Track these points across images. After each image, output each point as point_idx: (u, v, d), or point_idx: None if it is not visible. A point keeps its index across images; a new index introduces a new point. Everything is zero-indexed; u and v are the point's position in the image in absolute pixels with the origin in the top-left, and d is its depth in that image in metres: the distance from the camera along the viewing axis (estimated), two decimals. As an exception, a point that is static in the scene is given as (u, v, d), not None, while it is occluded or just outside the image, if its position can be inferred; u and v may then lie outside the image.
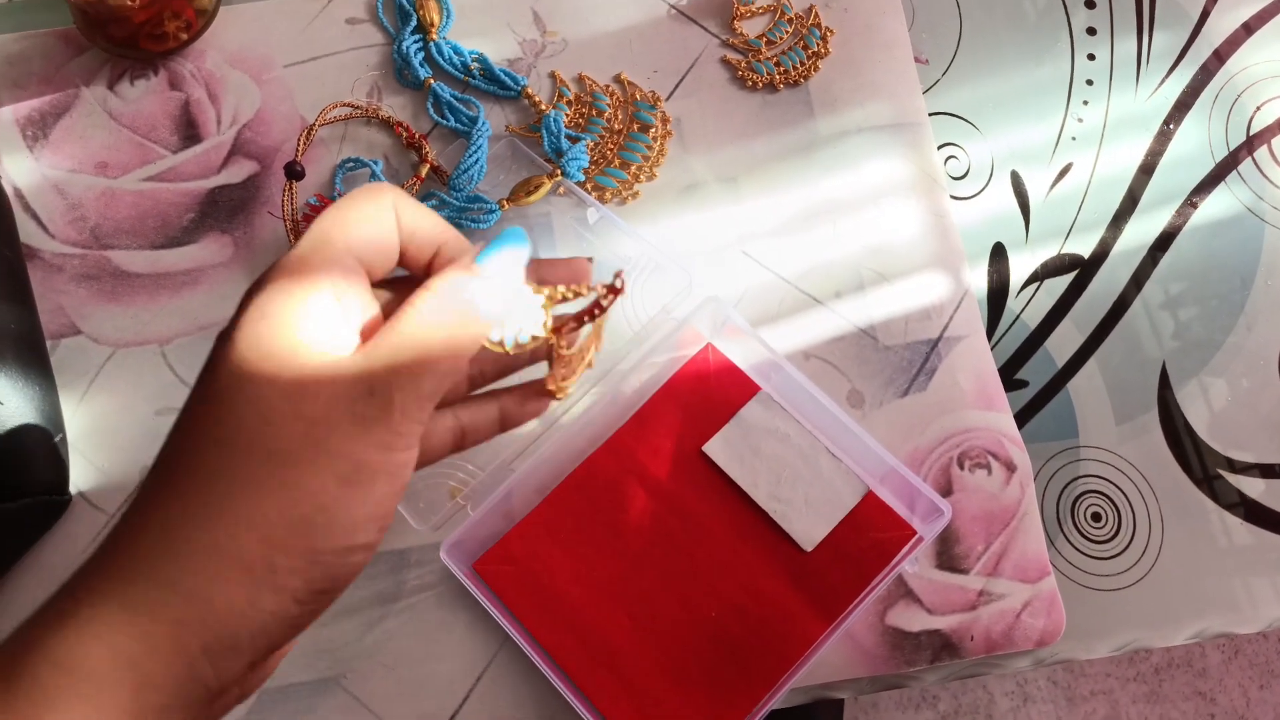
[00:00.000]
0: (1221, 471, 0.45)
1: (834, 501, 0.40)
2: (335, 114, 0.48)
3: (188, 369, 0.45)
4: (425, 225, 0.27)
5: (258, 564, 0.23)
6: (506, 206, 0.46)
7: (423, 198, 0.47)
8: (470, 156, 0.46)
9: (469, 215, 0.46)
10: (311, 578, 0.24)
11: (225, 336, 0.24)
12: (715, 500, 0.40)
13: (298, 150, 0.47)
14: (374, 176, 0.46)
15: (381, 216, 0.26)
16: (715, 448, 0.41)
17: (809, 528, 0.40)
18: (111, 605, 0.22)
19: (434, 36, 0.49)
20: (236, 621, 0.23)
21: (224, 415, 0.24)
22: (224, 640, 0.23)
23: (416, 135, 0.47)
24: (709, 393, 0.42)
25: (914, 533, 0.40)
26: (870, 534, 0.40)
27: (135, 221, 0.47)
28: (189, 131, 0.48)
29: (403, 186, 0.46)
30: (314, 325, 0.24)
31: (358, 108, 0.48)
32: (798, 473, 0.41)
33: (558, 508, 0.40)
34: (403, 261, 0.28)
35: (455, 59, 0.49)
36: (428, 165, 0.47)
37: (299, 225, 0.45)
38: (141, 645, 0.22)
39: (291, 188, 0.46)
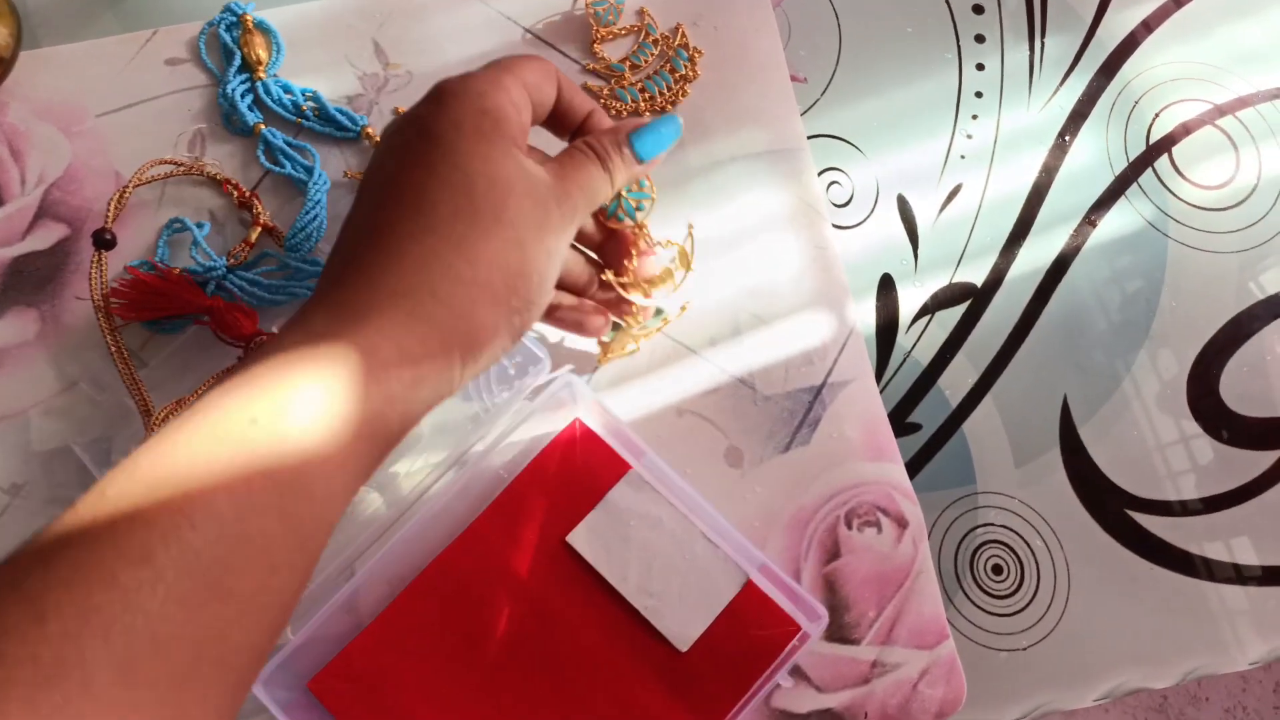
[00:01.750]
0: (1130, 512, 0.42)
1: (710, 593, 0.36)
2: (153, 172, 0.43)
3: (-8, 463, 0.40)
4: (580, 95, 0.35)
5: (501, 295, 0.29)
6: None
7: (255, 261, 0.42)
8: (307, 213, 0.42)
9: (308, 284, 0.41)
10: (523, 321, 0.31)
11: (443, 103, 0.30)
12: (582, 598, 0.36)
13: (108, 216, 0.42)
14: (196, 243, 0.42)
15: (549, 72, 0.33)
16: (580, 537, 0.37)
17: (684, 625, 0.36)
18: (398, 314, 0.28)
19: (261, 75, 0.44)
20: (486, 340, 0.29)
21: (454, 173, 0.29)
22: (474, 355, 0.29)
23: (247, 193, 0.43)
24: (575, 474, 0.37)
25: (798, 628, 0.36)
26: (751, 630, 0.36)
27: (-73, 300, 0.42)
28: (-11, 194, 0.43)
29: (231, 252, 0.42)
30: (520, 119, 0.31)
31: (179, 164, 0.43)
32: (671, 562, 0.37)
33: (406, 613, 0.36)
34: (552, 120, 0.35)
35: (285, 99, 0.44)
36: (259, 228, 0.42)
37: (109, 301, 0.40)
38: (421, 348, 0.28)
39: (101, 258, 0.41)
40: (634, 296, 0.38)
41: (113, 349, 0.40)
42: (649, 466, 0.38)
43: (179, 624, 0.22)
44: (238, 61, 0.44)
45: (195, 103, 0.45)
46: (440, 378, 0.28)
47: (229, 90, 0.44)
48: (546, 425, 0.39)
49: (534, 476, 0.37)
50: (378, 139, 0.44)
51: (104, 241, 0.41)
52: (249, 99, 0.44)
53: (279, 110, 0.44)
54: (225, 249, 0.42)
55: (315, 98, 0.44)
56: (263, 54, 0.45)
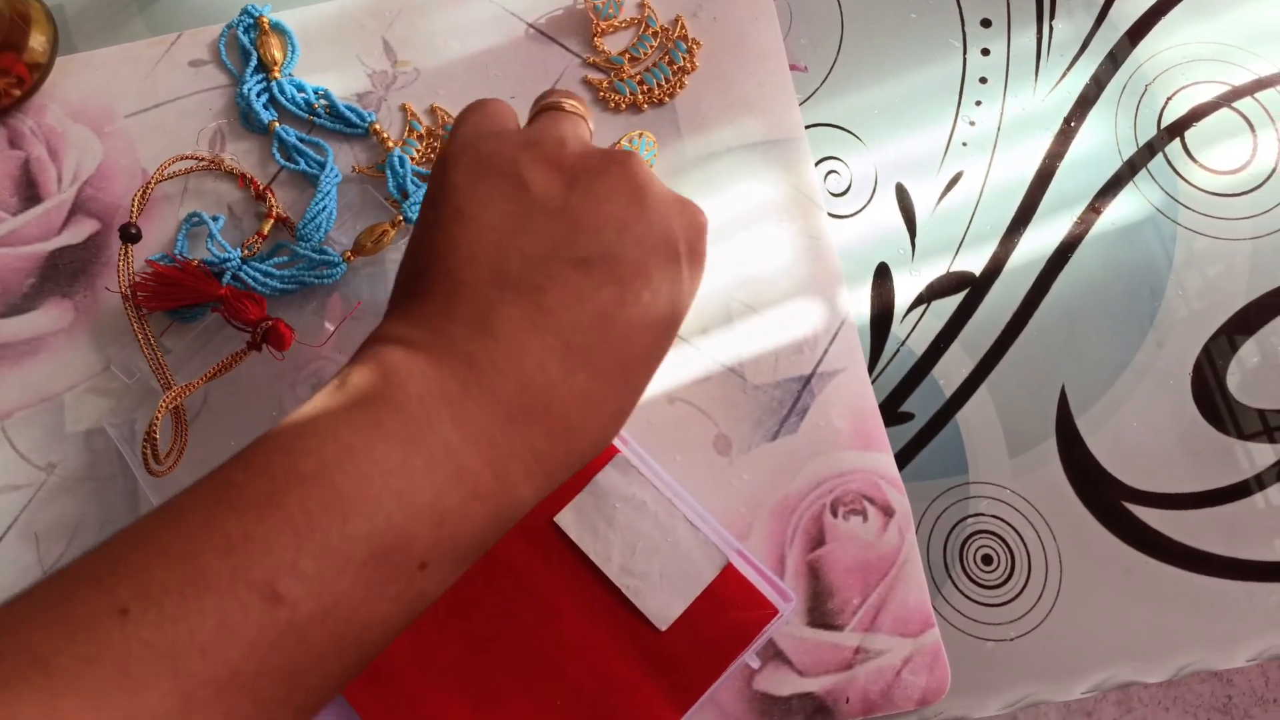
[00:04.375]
0: (1127, 504, 0.41)
1: (690, 575, 0.37)
2: (175, 169, 0.45)
3: (30, 444, 0.43)
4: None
5: (564, 345, 0.27)
6: (351, 258, 0.44)
7: (271, 251, 0.45)
8: (317, 204, 0.44)
9: (318, 272, 0.43)
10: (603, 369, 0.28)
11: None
12: (566, 576, 0.38)
13: (133, 211, 0.44)
14: (212, 236, 0.44)
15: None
16: (567, 518, 0.38)
17: (663, 604, 0.37)
18: (438, 351, 0.27)
19: (276, 75, 0.46)
20: (550, 390, 0.27)
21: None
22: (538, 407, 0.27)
23: (261, 186, 0.45)
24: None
25: (775, 610, 0.37)
26: (728, 612, 0.37)
27: (-28, 291, 0.45)
28: (29, 192, 0.46)
29: (245, 243, 0.44)
30: None
31: (199, 159, 0.45)
32: (653, 544, 0.38)
33: None
34: None
35: (299, 98, 0.46)
36: (272, 219, 0.44)
37: (137, 293, 0.43)
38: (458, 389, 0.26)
39: (127, 251, 0.43)
40: None
41: (140, 336, 0.43)
42: (633, 453, 0.39)
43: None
44: (254, 62, 0.46)
45: (216, 102, 0.47)
46: (491, 425, 0.26)
47: (245, 90, 0.46)
48: None
49: None
50: (385, 135, 0.46)
51: (130, 235, 0.43)
52: (264, 98, 0.46)
53: (291, 109, 0.46)
54: (243, 239, 0.45)
55: (326, 96, 0.46)
56: (278, 54, 0.47)
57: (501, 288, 0.27)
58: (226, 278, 0.43)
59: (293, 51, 0.47)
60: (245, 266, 0.43)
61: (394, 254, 0.45)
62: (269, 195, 0.45)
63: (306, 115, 0.46)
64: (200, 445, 0.43)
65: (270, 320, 0.40)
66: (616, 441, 0.40)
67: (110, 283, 0.45)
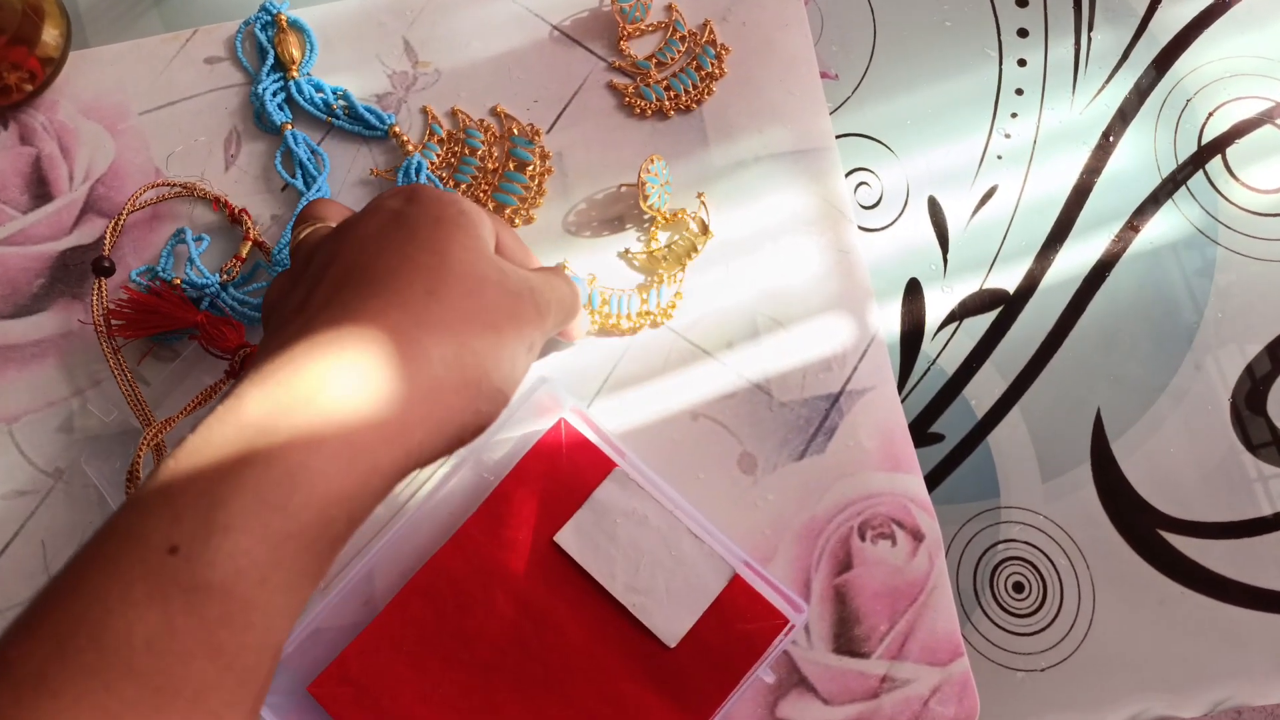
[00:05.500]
0: (1163, 532, 0.40)
1: (697, 589, 0.36)
2: (147, 196, 0.44)
3: (37, 449, 0.42)
4: (520, 248, 0.37)
5: (470, 381, 0.28)
6: None
7: (252, 273, 0.43)
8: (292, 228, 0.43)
9: None
10: (489, 412, 0.29)
11: (421, 201, 0.31)
12: (571, 597, 0.37)
13: (106, 243, 0.43)
14: (191, 261, 0.43)
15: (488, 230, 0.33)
16: (567, 537, 0.37)
17: (671, 621, 0.36)
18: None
19: (294, 74, 0.45)
20: (448, 430, 0.28)
21: (430, 257, 0.29)
22: (431, 446, 0.27)
23: (237, 210, 0.43)
24: (562, 474, 0.38)
25: (785, 621, 0.36)
26: (737, 624, 0.36)
27: (-20, 291, 0.44)
28: (40, 190, 0.45)
29: (224, 267, 0.43)
30: (491, 226, 0.33)
31: (172, 185, 0.44)
32: (657, 559, 0.37)
33: (400, 616, 0.37)
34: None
35: (317, 98, 0.45)
36: (249, 242, 0.43)
37: (110, 324, 0.41)
38: (375, 434, 0.26)
39: (101, 285, 0.42)
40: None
41: (116, 373, 0.41)
42: (632, 466, 0.38)
43: None
44: (271, 60, 0.45)
45: (232, 101, 0.46)
46: (393, 468, 0.26)
47: (260, 90, 0.45)
48: (532, 427, 0.40)
49: (521, 478, 0.38)
50: (405, 138, 0.45)
51: (103, 269, 0.42)
52: (280, 98, 0.45)
53: (309, 109, 0.45)
54: (223, 262, 0.43)
55: (345, 96, 0.45)
56: (296, 53, 0.45)
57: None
58: (204, 303, 0.42)
59: (311, 50, 0.46)
60: (223, 293, 0.42)
61: (412, 260, 0.44)
62: (245, 218, 0.44)
63: (325, 117, 0.45)
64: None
65: (249, 346, 0.39)
66: (614, 455, 0.39)
67: (121, 281, 0.44)
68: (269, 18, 0.46)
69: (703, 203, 0.43)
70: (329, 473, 0.24)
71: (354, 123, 0.45)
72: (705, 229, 0.43)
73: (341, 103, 0.45)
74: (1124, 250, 0.43)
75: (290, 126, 0.45)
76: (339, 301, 0.28)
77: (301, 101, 0.45)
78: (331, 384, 0.25)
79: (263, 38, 0.46)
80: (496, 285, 0.30)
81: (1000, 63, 0.45)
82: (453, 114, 0.45)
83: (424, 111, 0.45)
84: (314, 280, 0.29)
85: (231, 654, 0.22)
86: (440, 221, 0.30)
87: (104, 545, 0.23)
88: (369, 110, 0.45)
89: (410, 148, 0.44)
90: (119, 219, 0.43)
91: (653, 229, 0.43)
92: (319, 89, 0.45)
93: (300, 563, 0.24)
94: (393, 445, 0.26)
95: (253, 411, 0.24)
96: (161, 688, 0.21)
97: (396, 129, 0.45)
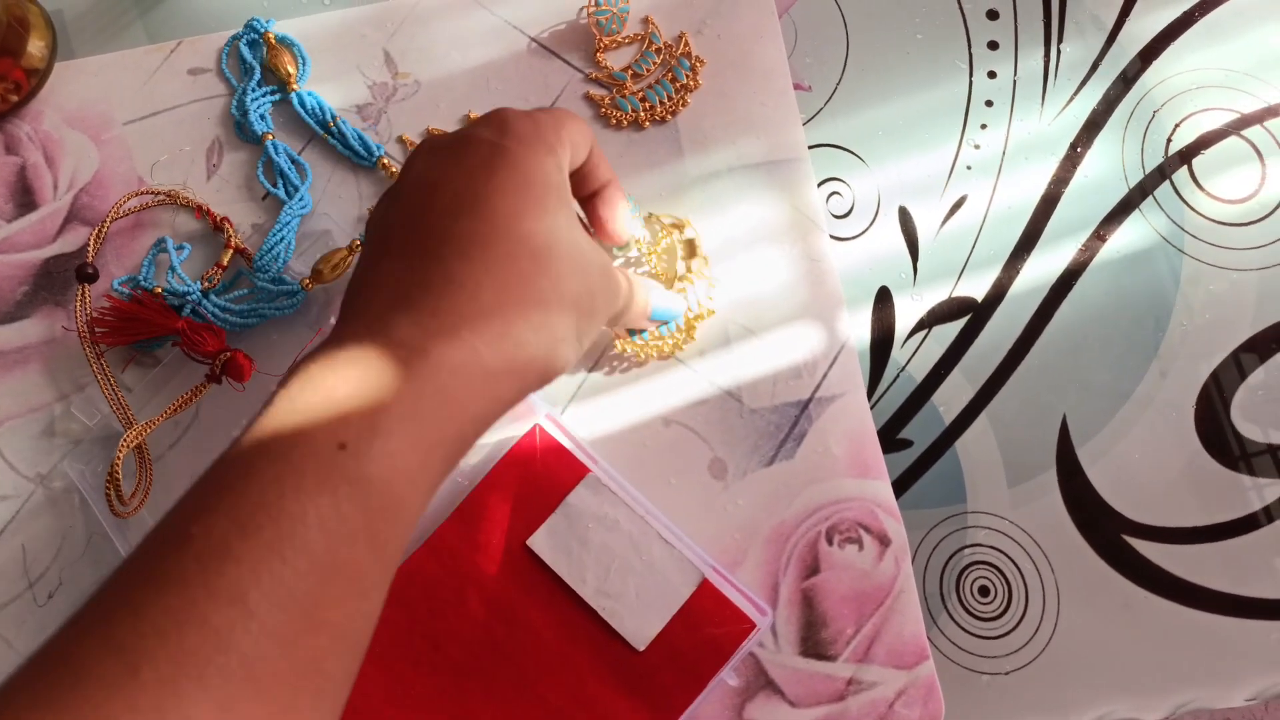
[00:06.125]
0: (1127, 537, 0.41)
1: (667, 593, 0.37)
2: (130, 205, 0.45)
3: (19, 455, 0.43)
4: (604, 165, 0.37)
5: (578, 312, 0.30)
6: (310, 286, 0.43)
7: (233, 280, 0.44)
8: (275, 235, 0.43)
9: (278, 304, 0.43)
10: (580, 345, 0.31)
11: (494, 169, 0.30)
12: (543, 601, 0.37)
13: (90, 250, 0.44)
14: (173, 269, 0.43)
15: (588, 136, 0.35)
16: (540, 541, 0.38)
17: (641, 624, 0.37)
18: (488, 333, 0.28)
19: (294, 87, 0.46)
20: (557, 368, 0.30)
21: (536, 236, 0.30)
22: (544, 380, 0.30)
23: (219, 218, 0.44)
24: (535, 480, 0.38)
25: (753, 625, 0.37)
26: (705, 629, 0.37)
27: (-35, 298, 0.45)
28: (24, 199, 0.46)
29: (205, 275, 0.43)
30: (561, 178, 0.32)
31: (156, 194, 0.45)
32: (628, 563, 0.37)
33: None
34: (571, 179, 0.35)
35: (318, 113, 0.46)
36: (230, 249, 0.44)
37: (95, 330, 0.42)
38: (503, 365, 0.28)
39: (84, 291, 0.43)
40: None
41: (99, 376, 0.42)
42: (604, 472, 0.39)
43: (274, 660, 0.22)
44: (257, 75, 0.46)
45: (214, 111, 0.47)
46: (515, 396, 0.29)
47: (247, 101, 0.45)
48: (506, 433, 0.40)
49: (495, 483, 0.38)
50: (393, 170, 0.45)
51: (86, 276, 0.43)
52: (264, 108, 0.46)
53: (311, 122, 0.45)
54: (204, 270, 0.44)
55: (340, 123, 0.45)
56: (291, 68, 0.46)
57: None
58: (186, 310, 0.43)
59: (304, 63, 0.47)
60: (205, 300, 0.43)
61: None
62: (226, 226, 0.44)
63: (323, 132, 0.45)
64: (176, 483, 0.42)
65: (229, 351, 0.40)
66: (586, 460, 0.39)
67: (104, 289, 0.44)
68: (256, 35, 0.46)
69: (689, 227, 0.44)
70: (469, 394, 0.27)
71: (345, 148, 0.45)
72: (694, 250, 0.43)
73: (336, 127, 0.45)
74: (1091, 259, 0.44)
75: (271, 137, 0.45)
76: (460, 234, 0.29)
77: (304, 114, 0.45)
78: (469, 315, 0.27)
79: (247, 53, 0.46)
80: (576, 262, 0.31)
81: (970, 75, 0.46)
82: (428, 134, 0.46)
83: (401, 140, 0.46)
84: (427, 209, 0.30)
85: (383, 543, 0.25)
86: (506, 194, 0.30)
87: (269, 443, 0.25)
88: (360, 137, 0.45)
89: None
90: (102, 227, 0.44)
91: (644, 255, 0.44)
92: (320, 106, 0.46)
93: (439, 471, 0.27)
94: (513, 377, 0.28)
95: (404, 334, 0.26)
96: (327, 565, 0.23)
97: (385, 161, 0.45)
